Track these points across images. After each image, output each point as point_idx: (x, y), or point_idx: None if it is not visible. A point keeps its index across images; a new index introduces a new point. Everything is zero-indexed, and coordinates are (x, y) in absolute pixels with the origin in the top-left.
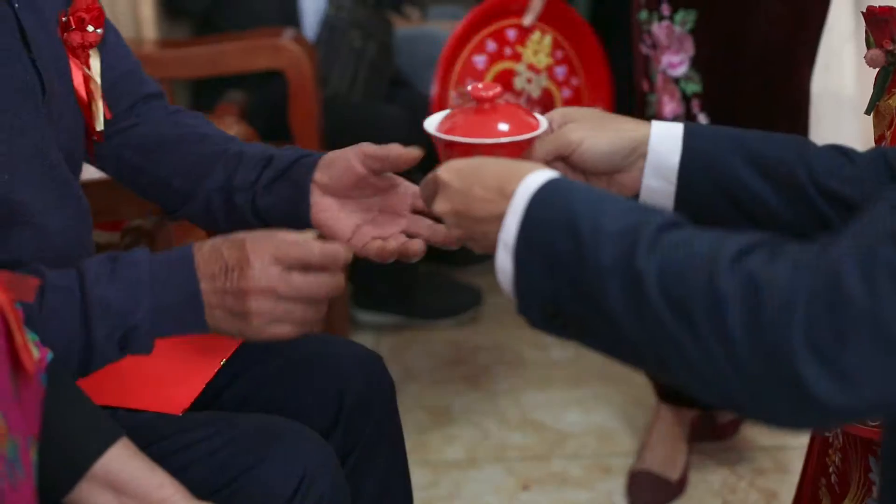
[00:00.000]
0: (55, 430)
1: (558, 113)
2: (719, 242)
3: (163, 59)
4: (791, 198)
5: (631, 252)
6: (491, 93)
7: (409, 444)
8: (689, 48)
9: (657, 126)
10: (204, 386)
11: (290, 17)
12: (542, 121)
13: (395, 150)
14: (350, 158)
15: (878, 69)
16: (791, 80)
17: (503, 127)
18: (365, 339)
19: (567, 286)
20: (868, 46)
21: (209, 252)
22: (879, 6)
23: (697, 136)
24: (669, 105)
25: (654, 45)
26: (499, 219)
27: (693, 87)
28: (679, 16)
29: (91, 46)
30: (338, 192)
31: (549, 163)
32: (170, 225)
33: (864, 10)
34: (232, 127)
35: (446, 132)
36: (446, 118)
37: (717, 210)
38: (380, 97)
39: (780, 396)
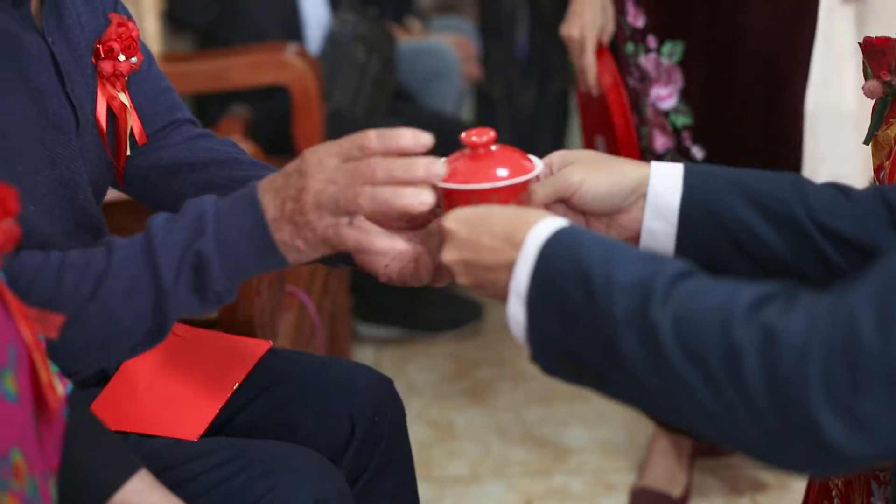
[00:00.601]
0: (75, 461)
1: (558, 155)
2: (734, 293)
3: (166, 73)
4: (791, 237)
5: (645, 303)
6: (484, 138)
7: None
8: (678, 80)
9: (657, 167)
10: (217, 411)
11: (294, 30)
12: (538, 163)
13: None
14: None
15: (875, 99)
16: (784, 103)
17: (501, 171)
18: (366, 353)
19: (581, 336)
20: (866, 77)
21: (274, 174)
22: (877, 37)
23: (697, 176)
24: (661, 139)
25: (643, 78)
26: (509, 267)
27: (683, 120)
28: (666, 48)
29: (123, 75)
30: (382, 220)
31: (549, 205)
32: None
33: (861, 41)
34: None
35: (444, 180)
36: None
37: (719, 251)
38: (383, 111)
39: (797, 445)
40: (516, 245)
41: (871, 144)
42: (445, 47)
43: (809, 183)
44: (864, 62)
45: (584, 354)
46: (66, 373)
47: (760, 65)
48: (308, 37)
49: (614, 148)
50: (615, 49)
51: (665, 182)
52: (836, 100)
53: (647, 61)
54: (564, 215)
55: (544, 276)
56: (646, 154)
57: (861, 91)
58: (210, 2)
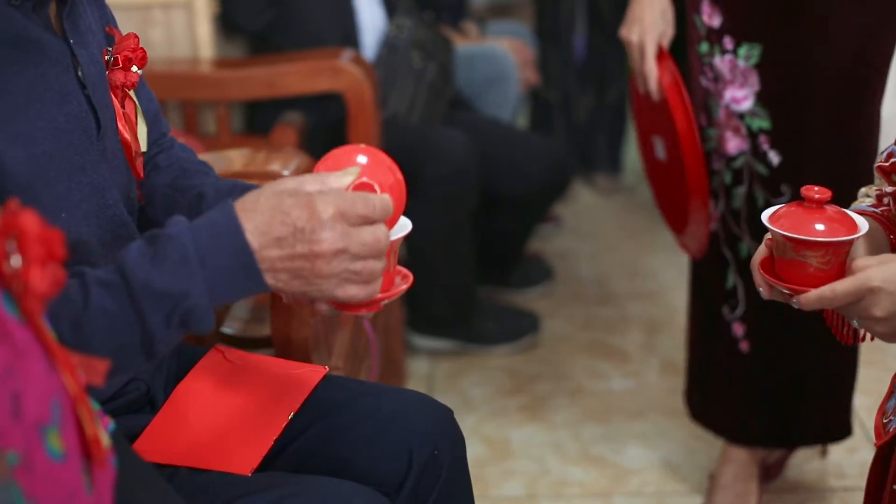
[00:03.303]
0: None
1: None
2: None
3: (220, 79)
4: None
5: None
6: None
7: None
8: (755, 83)
9: None
10: (272, 443)
11: (349, 36)
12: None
13: None
14: None
15: None
16: (861, 111)
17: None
18: (420, 365)
19: None
20: None
21: (270, 214)
22: None
23: None
24: (734, 141)
25: (716, 79)
26: None
27: (759, 123)
28: (743, 50)
29: (131, 87)
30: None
31: None
32: None
33: None
34: (291, 157)
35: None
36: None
37: None
38: (439, 119)
39: None
40: None
41: None
42: (503, 52)
43: None
44: None
45: None
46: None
47: (840, 71)
48: (364, 42)
49: (674, 149)
50: (680, 49)
51: None
52: None
53: (721, 62)
54: None
55: None
56: (713, 156)
57: None
58: (264, 7)
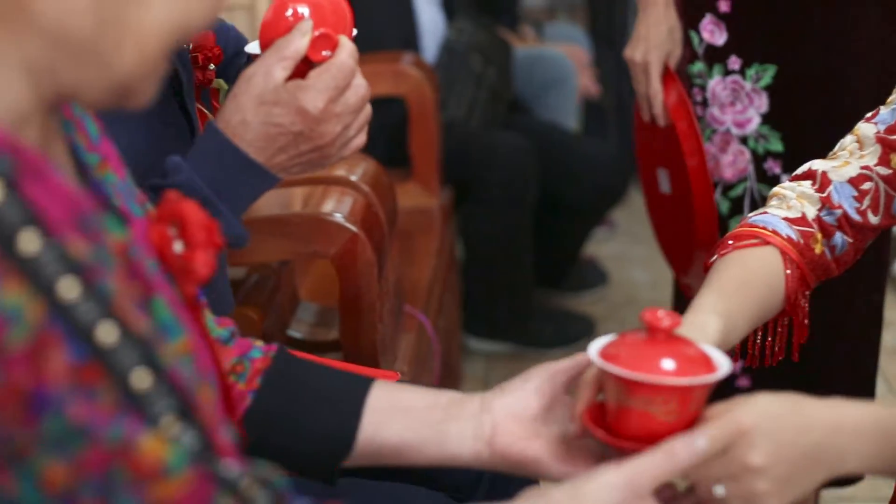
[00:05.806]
0: None
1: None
2: None
3: None
4: None
5: None
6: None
7: None
8: (762, 105)
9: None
10: None
11: (409, 39)
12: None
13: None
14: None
15: None
16: None
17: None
18: (476, 367)
19: None
20: None
21: (264, 128)
22: None
23: None
24: (732, 168)
25: (705, 102)
26: None
27: (767, 146)
28: (752, 70)
29: (208, 84)
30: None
31: None
32: (293, 264)
33: None
34: (358, 164)
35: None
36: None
37: None
38: (497, 123)
39: None
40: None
41: None
42: (561, 56)
43: None
44: None
45: None
46: None
47: (862, 90)
48: (424, 46)
49: (681, 181)
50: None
51: None
52: None
53: (720, 84)
54: None
55: None
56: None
57: None
58: None
